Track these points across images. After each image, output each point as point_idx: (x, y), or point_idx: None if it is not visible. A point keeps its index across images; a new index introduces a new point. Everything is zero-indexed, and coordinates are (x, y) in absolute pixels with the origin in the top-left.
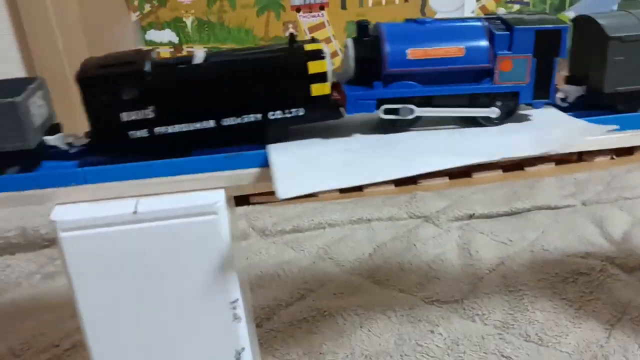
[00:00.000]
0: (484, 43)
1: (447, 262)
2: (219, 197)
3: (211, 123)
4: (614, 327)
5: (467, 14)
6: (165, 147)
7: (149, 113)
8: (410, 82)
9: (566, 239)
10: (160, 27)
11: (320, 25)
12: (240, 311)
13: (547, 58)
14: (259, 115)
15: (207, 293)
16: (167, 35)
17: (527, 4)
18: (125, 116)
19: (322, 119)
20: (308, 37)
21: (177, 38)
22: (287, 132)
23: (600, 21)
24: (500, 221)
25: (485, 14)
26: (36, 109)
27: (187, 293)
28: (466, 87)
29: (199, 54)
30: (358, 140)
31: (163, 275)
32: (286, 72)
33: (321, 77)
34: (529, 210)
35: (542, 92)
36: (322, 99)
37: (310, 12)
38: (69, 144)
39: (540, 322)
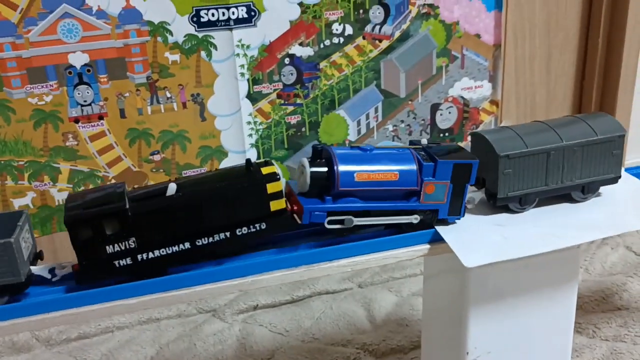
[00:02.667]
0: (414, 170)
1: None
2: None
3: (187, 245)
4: None
5: (245, 116)
6: (146, 270)
7: (131, 243)
8: (354, 198)
9: (336, 325)
10: None
11: (101, 134)
12: None
13: (460, 184)
14: (228, 233)
15: None
16: None
17: (301, 105)
18: (110, 248)
19: (282, 230)
20: (89, 145)
21: None
22: (247, 246)
23: (492, 142)
24: (281, 310)
25: (263, 116)
26: (24, 242)
27: None
28: (398, 204)
29: (171, 186)
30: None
31: None
32: (249, 195)
33: (278, 195)
34: (309, 296)
35: (456, 210)
36: (279, 212)
37: (90, 122)
38: (52, 272)
39: None
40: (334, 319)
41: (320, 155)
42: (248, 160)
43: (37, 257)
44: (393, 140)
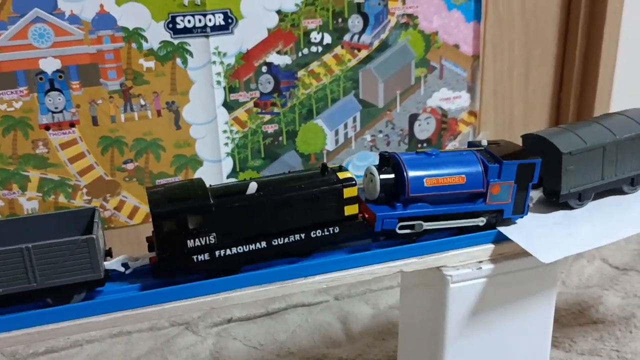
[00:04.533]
0: (480, 172)
1: None
2: None
3: (263, 244)
4: None
5: (221, 125)
6: (222, 267)
7: (211, 239)
8: (423, 203)
9: (312, 338)
10: None
11: (73, 142)
12: None
13: (524, 183)
14: (303, 235)
15: None
16: None
17: (278, 114)
18: (191, 243)
19: (354, 237)
20: (60, 153)
21: None
22: (319, 247)
23: (553, 140)
24: (256, 324)
25: (240, 125)
26: (100, 239)
27: None
28: (465, 207)
29: (252, 185)
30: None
31: None
32: (327, 199)
33: (353, 200)
34: (285, 309)
35: (519, 209)
36: (352, 217)
37: (61, 129)
38: (125, 266)
39: None
40: (309, 332)
41: (387, 162)
42: (324, 165)
43: (107, 254)
44: (371, 151)
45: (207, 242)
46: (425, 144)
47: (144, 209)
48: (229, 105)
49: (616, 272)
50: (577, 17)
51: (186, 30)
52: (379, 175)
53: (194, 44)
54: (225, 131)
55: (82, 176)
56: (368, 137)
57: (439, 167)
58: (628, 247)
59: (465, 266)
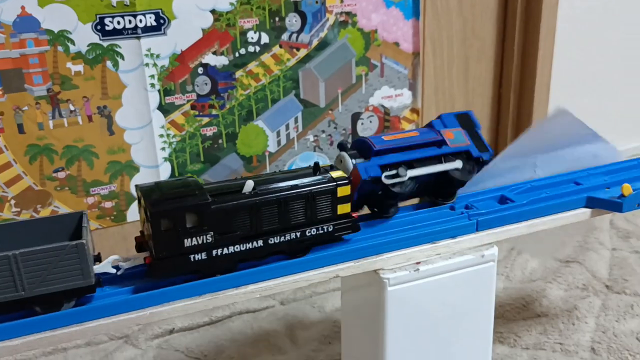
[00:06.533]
0: (428, 128)
1: None
2: None
3: (260, 242)
4: None
5: (157, 129)
6: (218, 266)
7: (208, 238)
8: (392, 154)
9: (256, 347)
10: None
11: None
12: None
13: (471, 129)
14: (299, 233)
15: None
16: None
17: (217, 116)
18: (188, 242)
19: (346, 233)
20: None
21: None
22: (313, 245)
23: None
24: (199, 333)
25: (177, 129)
26: (90, 244)
27: None
28: (433, 151)
29: (249, 183)
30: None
31: None
32: (322, 197)
33: (346, 199)
34: (229, 317)
35: (483, 147)
36: (345, 215)
37: None
38: (116, 267)
39: None
40: (254, 339)
41: (346, 147)
42: (316, 164)
43: (96, 259)
44: (314, 151)
45: (205, 241)
46: None
47: None
48: (165, 109)
49: (559, 264)
50: (514, 13)
51: (116, 32)
52: (346, 152)
53: (124, 45)
54: (161, 135)
55: (10, 187)
56: (311, 138)
57: (393, 134)
58: (571, 240)
59: (402, 268)
